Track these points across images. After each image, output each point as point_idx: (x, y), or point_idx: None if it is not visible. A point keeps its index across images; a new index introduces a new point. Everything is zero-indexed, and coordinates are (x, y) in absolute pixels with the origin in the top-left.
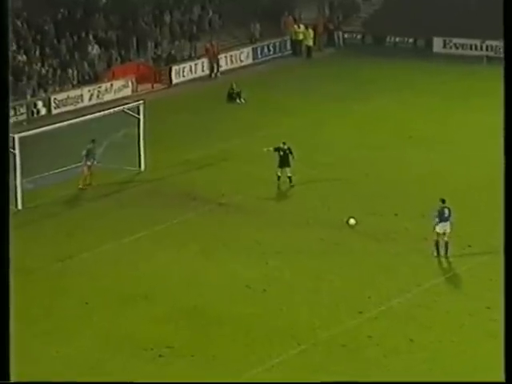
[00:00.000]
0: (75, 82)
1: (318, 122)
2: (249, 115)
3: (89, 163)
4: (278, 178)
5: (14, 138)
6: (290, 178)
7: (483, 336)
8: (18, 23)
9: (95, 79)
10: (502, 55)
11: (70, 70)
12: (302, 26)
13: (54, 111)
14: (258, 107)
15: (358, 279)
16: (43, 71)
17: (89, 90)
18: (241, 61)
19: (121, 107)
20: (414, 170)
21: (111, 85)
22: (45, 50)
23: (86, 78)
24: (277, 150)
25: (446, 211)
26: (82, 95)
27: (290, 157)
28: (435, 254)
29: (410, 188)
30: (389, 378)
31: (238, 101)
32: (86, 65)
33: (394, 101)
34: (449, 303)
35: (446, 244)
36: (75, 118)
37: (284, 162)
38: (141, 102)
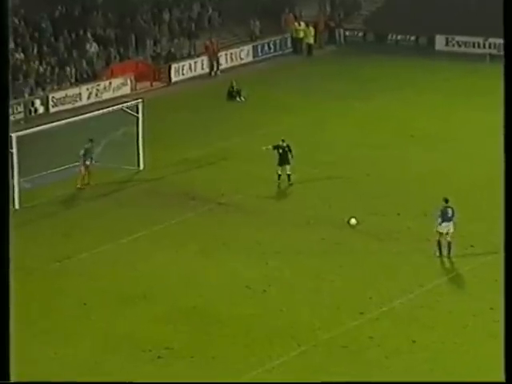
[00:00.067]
0: (73, 81)
1: (318, 121)
2: (249, 113)
3: (87, 163)
4: (279, 176)
5: (11, 137)
6: (288, 176)
7: (486, 337)
8: (16, 21)
9: (93, 77)
10: None
11: (68, 68)
12: (302, 24)
13: (52, 110)
14: (258, 105)
15: (360, 279)
16: (41, 69)
17: (87, 89)
18: (241, 59)
19: (119, 106)
20: (416, 168)
21: (110, 83)
22: (42, 48)
23: (85, 76)
24: (276, 147)
25: (449, 211)
26: (80, 93)
27: (290, 154)
28: (437, 254)
29: (412, 187)
30: (390, 380)
31: (238, 99)
32: (84, 63)
33: (395, 99)
34: (452, 304)
35: (449, 244)
36: (73, 116)
37: (284, 160)
38: (140, 100)
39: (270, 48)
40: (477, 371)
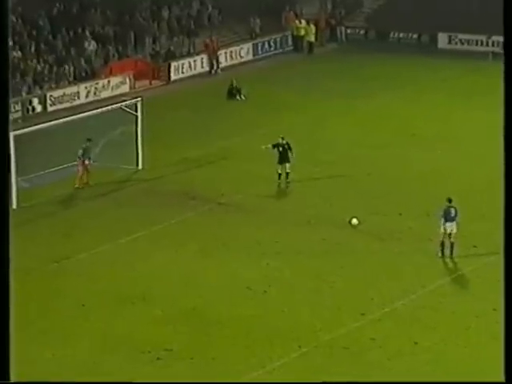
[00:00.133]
0: (71, 79)
1: (319, 119)
2: (249, 112)
3: (87, 162)
4: (279, 175)
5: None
6: (287, 174)
7: (489, 339)
8: (13, 18)
9: (92, 76)
10: None
11: (66, 67)
12: (303, 22)
13: (50, 108)
14: (258, 104)
15: (361, 280)
16: (39, 68)
17: (85, 87)
18: (241, 57)
19: (118, 104)
20: (417, 167)
21: (108, 81)
22: (40, 46)
23: (83, 74)
24: (275, 146)
25: (453, 211)
26: (78, 92)
27: (290, 152)
28: (440, 254)
29: (413, 186)
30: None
31: (238, 98)
32: (82, 61)
33: (397, 98)
34: (454, 305)
35: (452, 244)
36: (71, 115)
37: (284, 158)
38: (139, 99)
39: (270, 46)
40: (480, 373)
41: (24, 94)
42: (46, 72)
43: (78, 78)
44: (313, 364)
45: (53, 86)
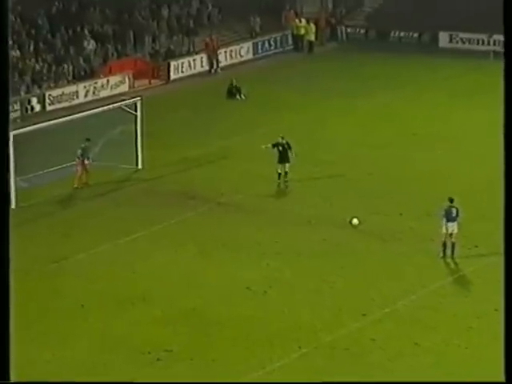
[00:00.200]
0: (70, 78)
1: (319, 119)
2: (249, 112)
3: (86, 162)
4: (279, 175)
5: None
6: (286, 173)
7: (491, 339)
8: (12, 17)
9: (91, 75)
10: None
11: (65, 66)
12: (303, 21)
13: (49, 108)
14: (258, 103)
15: (362, 280)
16: (37, 67)
17: (84, 86)
18: (241, 56)
19: (117, 104)
20: (418, 167)
21: (107, 81)
22: (39, 45)
23: (82, 73)
24: (275, 145)
25: (454, 211)
26: (77, 91)
27: (290, 152)
28: (441, 254)
29: (414, 186)
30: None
31: (238, 97)
32: (81, 60)
33: (397, 97)
34: (455, 305)
35: (453, 245)
36: (70, 114)
37: (284, 158)
38: (138, 98)
39: (270, 45)
40: (481, 374)
41: (23, 93)
42: (44, 71)
43: (77, 78)
44: (313, 365)
45: (52, 85)
